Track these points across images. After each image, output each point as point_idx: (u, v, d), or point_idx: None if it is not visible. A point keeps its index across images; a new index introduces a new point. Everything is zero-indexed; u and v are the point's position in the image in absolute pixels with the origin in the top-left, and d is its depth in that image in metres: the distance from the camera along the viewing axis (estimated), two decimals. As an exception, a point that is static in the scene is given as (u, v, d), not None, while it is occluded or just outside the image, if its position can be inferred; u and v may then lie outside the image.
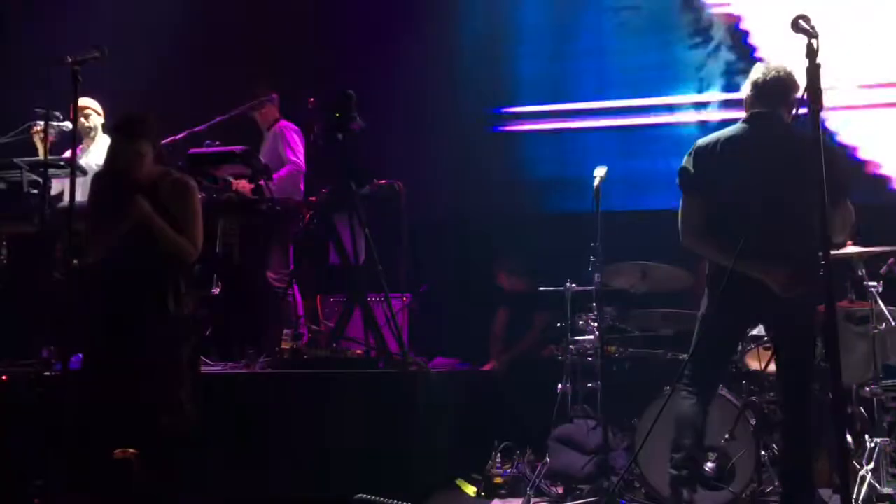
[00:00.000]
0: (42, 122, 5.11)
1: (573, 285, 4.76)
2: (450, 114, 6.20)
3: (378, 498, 2.71)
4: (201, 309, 4.67)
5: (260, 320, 5.03)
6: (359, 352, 4.66)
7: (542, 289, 4.97)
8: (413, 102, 6.19)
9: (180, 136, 4.99)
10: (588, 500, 4.16)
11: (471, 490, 4.52)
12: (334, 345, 4.72)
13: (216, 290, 4.94)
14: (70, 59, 3.34)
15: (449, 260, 5.85)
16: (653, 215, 5.06)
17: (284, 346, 4.67)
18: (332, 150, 4.76)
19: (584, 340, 4.65)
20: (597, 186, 4.19)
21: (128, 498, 3.74)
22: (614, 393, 4.36)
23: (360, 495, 2.73)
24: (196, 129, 5.05)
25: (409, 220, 4.96)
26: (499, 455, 4.53)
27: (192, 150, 4.91)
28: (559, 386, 4.67)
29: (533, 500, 4.17)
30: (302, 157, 5.45)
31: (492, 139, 6.29)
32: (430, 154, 6.06)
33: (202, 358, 4.56)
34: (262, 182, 5.10)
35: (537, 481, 4.28)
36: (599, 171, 4.24)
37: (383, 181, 5.02)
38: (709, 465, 3.66)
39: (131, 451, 3.83)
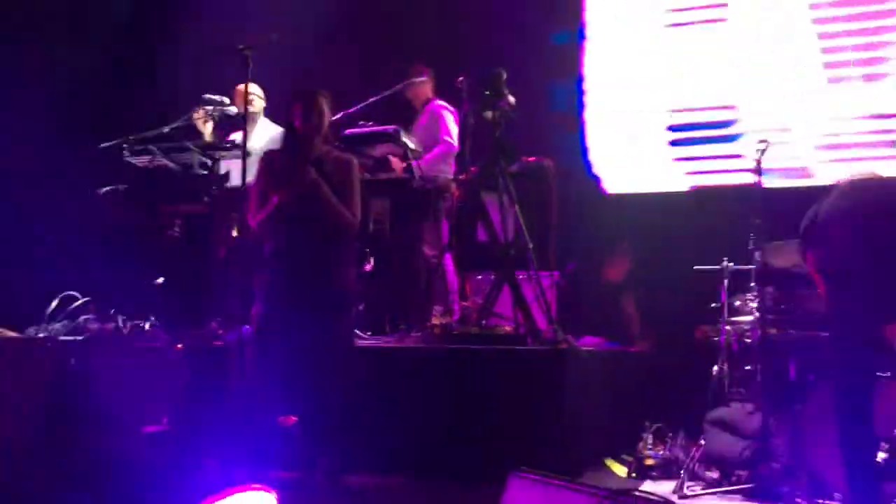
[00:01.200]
0: (205, 107, 5.42)
1: (730, 264, 4.60)
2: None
3: (538, 473, 2.73)
4: (357, 284, 4.85)
5: (411, 296, 5.13)
6: (508, 328, 4.69)
7: (697, 268, 4.82)
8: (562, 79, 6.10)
9: (336, 116, 5.14)
10: (745, 486, 4.03)
11: (621, 470, 4.47)
12: (483, 321, 4.76)
13: (368, 267, 5.09)
14: (241, 46, 3.49)
15: (598, 238, 5.76)
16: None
17: (435, 321, 4.76)
18: (482, 128, 4.80)
19: (741, 321, 4.49)
20: (758, 160, 4.02)
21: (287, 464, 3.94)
22: (773, 376, 4.19)
23: (520, 469, 2.76)
24: (350, 110, 5.19)
25: (558, 197, 4.92)
26: (650, 436, 4.46)
27: (347, 131, 5.06)
28: (714, 368, 4.53)
29: (687, 484, 4.08)
30: (455, 138, 5.50)
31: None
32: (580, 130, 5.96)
33: (356, 332, 4.73)
34: (412, 161, 5.21)
35: (691, 464, 4.18)
36: (761, 144, 4.06)
37: (533, 158, 5.01)
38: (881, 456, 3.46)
39: (293, 417, 4.03)
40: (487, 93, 4.65)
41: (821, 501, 3.83)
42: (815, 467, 3.90)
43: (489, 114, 4.70)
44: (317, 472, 3.92)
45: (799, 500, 3.83)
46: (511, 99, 4.62)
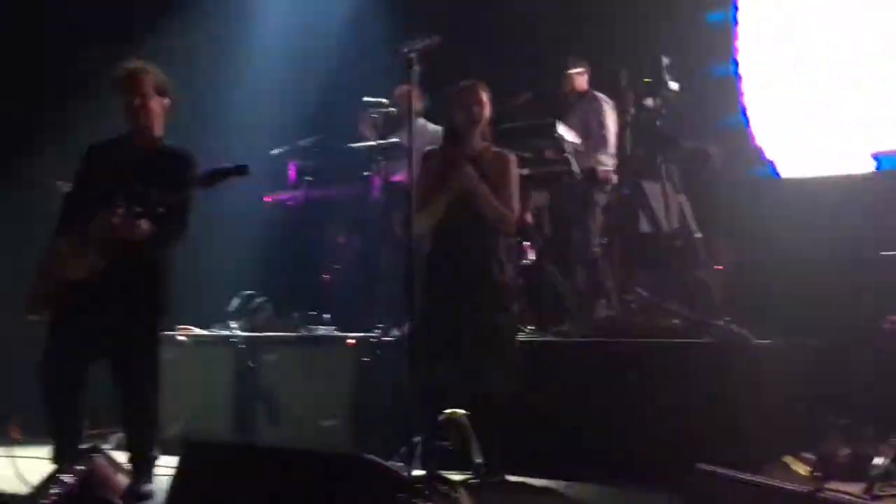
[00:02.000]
0: (368, 110, 5.60)
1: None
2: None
3: (722, 469, 2.64)
4: (518, 278, 4.85)
5: (574, 289, 5.08)
6: (674, 321, 4.55)
7: (884, 253, 4.48)
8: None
9: (494, 111, 5.16)
10: (948, 490, 3.72)
11: (802, 469, 4.24)
12: (649, 314, 4.65)
13: (529, 261, 5.08)
14: (405, 49, 3.56)
15: (770, 227, 5.47)
16: None
17: (599, 315, 4.69)
18: (643, 117, 4.68)
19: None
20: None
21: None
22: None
23: (701, 465, 2.67)
24: (508, 104, 5.19)
25: (725, 184, 4.73)
26: (836, 433, 4.20)
27: (505, 125, 5.06)
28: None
29: (877, 485, 3.81)
30: (612, 131, 5.40)
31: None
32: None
33: (518, 326, 4.73)
34: (568, 153, 5.15)
35: (882, 464, 3.89)
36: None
37: (696, 146, 4.84)
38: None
39: (461, 411, 4.08)
40: (647, 80, 4.53)
41: None
42: None
43: (650, 101, 4.58)
44: (483, 463, 3.95)
45: None
46: (673, 85, 4.48)
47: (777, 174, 5.70)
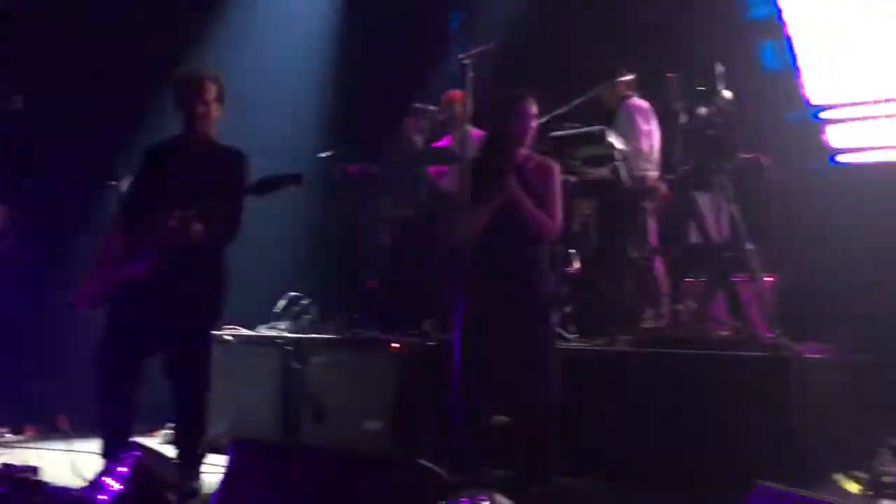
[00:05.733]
0: (416, 116, 5.62)
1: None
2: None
3: (780, 486, 2.59)
4: (563, 286, 4.83)
5: (620, 298, 5.04)
6: (724, 333, 4.48)
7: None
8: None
9: (543, 119, 5.15)
10: None
11: (853, 487, 4.14)
12: (698, 325, 4.59)
13: (575, 269, 5.05)
14: (461, 55, 3.58)
15: (821, 238, 5.36)
16: None
17: (647, 325, 4.64)
18: (694, 125, 4.63)
19: None
20: None
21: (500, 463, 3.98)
22: None
23: (762, 482, 2.63)
24: (556, 111, 5.18)
25: (776, 194, 4.65)
26: (889, 452, 4.09)
27: (553, 133, 5.05)
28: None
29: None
30: (650, 137, 5.33)
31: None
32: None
33: (563, 334, 4.70)
34: (618, 161, 5.11)
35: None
36: None
37: (749, 154, 4.76)
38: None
39: (505, 418, 4.07)
40: (700, 88, 4.48)
41: None
42: None
43: (703, 110, 4.53)
44: (526, 471, 3.94)
45: None
46: (727, 94, 4.42)
47: (836, 162, 5.46)
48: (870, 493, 4.03)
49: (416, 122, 5.61)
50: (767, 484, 2.64)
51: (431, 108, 5.55)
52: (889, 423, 4.28)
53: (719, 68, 4.44)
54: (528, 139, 4.05)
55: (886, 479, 4.02)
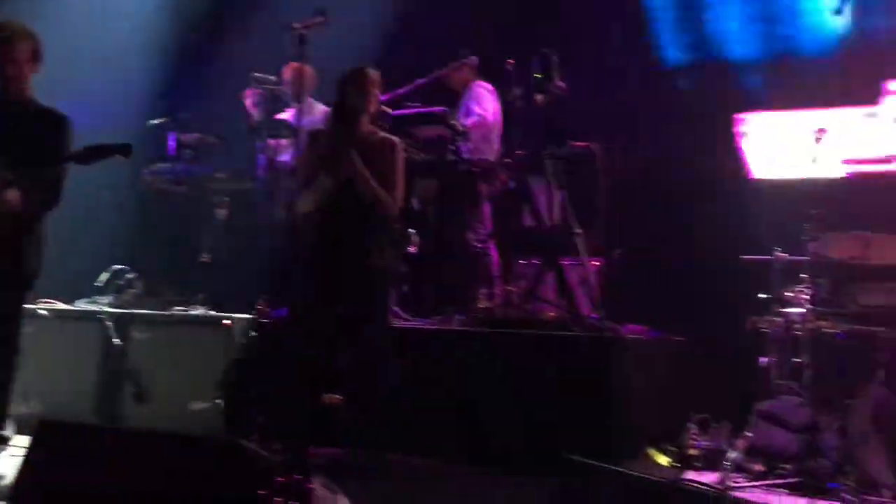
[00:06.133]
0: (255, 87, 5.45)
1: (783, 254, 4.50)
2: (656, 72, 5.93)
3: (588, 459, 2.71)
4: (400, 265, 4.85)
5: (455, 279, 5.12)
6: (552, 314, 4.65)
7: (744, 257, 4.72)
8: (615, 61, 5.96)
9: (385, 97, 5.13)
10: (791, 480, 3.96)
11: (663, 460, 4.42)
12: (527, 306, 4.74)
13: (413, 249, 5.08)
14: (296, 25, 3.49)
15: (646, 225, 5.66)
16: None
17: (479, 305, 4.75)
18: (531, 112, 4.75)
19: (792, 313, 4.40)
20: (815, 146, 3.92)
21: (331, 442, 3.97)
22: (824, 370, 4.10)
23: (571, 455, 2.74)
24: (399, 91, 5.17)
25: (606, 182, 4.85)
26: (695, 427, 4.40)
27: (395, 112, 5.04)
28: (762, 359, 4.45)
29: (731, 476, 4.02)
30: (490, 112, 5.43)
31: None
32: (632, 114, 5.82)
33: (398, 312, 4.74)
34: (459, 143, 5.17)
35: (736, 456, 4.11)
36: (816, 128, 3.95)
37: (581, 143, 4.94)
38: None
39: (337, 397, 4.06)
40: (537, 76, 4.60)
41: (870, 498, 3.75)
42: (866, 465, 3.81)
43: (539, 97, 4.65)
44: (360, 449, 3.95)
45: (846, 496, 3.75)
46: (560, 83, 4.57)
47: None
48: (677, 465, 4.32)
49: (254, 93, 5.44)
50: (576, 456, 2.76)
51: (271, 78, 5.39)
52: (697, 399, 4.59)
53: (555, 57, 4.57)
54: (372, 115, 4.03)
55: (692, 452, 4.32)
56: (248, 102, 5.53)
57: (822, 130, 4.14)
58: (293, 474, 2.60)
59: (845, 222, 4.33)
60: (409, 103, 5.18)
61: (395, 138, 4.13)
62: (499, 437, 4.14)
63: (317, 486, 2.73)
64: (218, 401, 4.38)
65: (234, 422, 4.36)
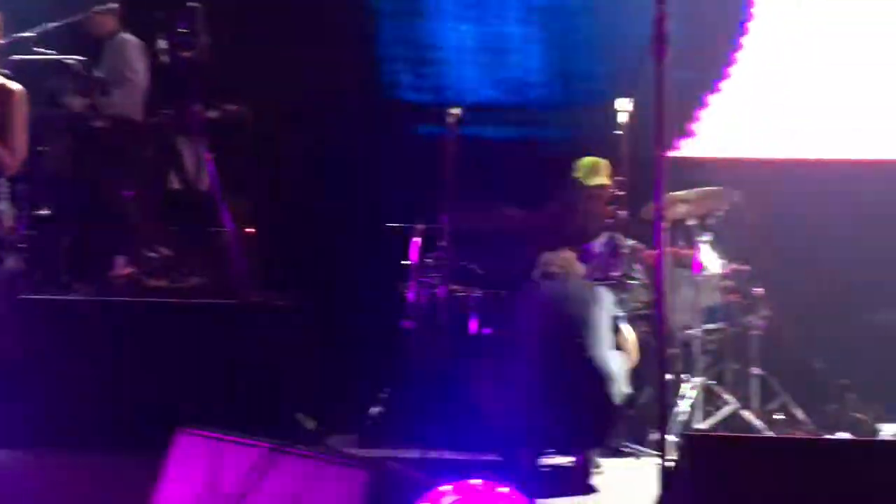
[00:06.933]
0: None
1: (422, 225, 4.72)
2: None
3: (206, 430, 2.64)
4: (28, 230, 4.39)
5: (94, 244, 4.74)
6: (196, 282, 4.49)
7: (389, 225, 4.88)
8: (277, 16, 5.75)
9: (6, 40, 4.56)
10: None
11: (311, 423, 4.48)
12: (172, 273, 4.53)
13: (45, 211, 4.63)
14: None
15: (309, 192, 5.59)
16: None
17: (120, 273, 4.45)
18: (177, 69, 4.51)
19: (431, 279, 4.64)
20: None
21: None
22: (458, 331, 4.41)
23: (187, 427, 2.64)
24: (24, 34, 4.62)
25: (259, 148, 4.77)
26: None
27: (19, 57, 4.51)
28: (406, 323, 4.65)
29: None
30: (142, 75, 5.09)
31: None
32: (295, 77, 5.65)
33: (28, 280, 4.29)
34: (97, 98, 4.78)
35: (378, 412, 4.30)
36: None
37: (233, 106, 4.80)
38: None
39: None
40: (182, 31, 4.36)
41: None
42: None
43: (185, 53, 4.42)
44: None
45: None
46: (204, 39, 4.37)
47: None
48: (321, 428, 4.39)
49: None
50: (191, 430, 2.69)
51: None
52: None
53: (200, 11, 4.35)
54: None
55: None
56: None
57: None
58: None
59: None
60: (37, 49, 4.65)
61: (17, 86, 3.75)
62: (125, 417, 3.88)
63: None
64: None
65: None
